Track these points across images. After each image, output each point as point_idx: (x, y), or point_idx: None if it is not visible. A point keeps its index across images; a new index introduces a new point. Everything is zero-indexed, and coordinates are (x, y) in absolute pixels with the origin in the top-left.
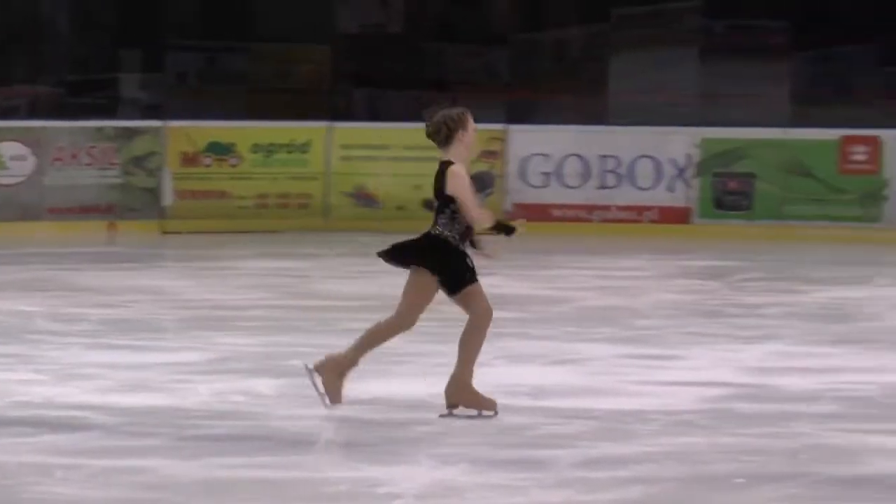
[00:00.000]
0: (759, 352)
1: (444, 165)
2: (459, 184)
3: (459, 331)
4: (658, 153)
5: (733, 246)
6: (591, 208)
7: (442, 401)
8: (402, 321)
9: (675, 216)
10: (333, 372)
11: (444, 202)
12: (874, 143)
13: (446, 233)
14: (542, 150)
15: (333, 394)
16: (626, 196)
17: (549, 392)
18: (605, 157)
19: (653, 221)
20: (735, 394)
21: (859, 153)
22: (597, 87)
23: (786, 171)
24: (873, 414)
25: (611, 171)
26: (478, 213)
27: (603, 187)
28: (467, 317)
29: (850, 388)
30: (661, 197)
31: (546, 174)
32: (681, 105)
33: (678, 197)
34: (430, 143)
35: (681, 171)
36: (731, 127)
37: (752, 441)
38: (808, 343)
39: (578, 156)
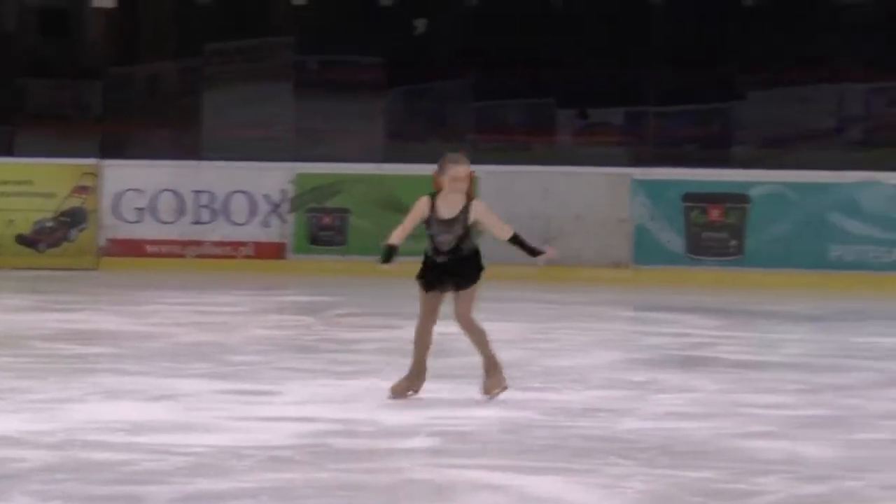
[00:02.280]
0: (356, 387)
1: None
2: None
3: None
4: (253, 188)
5: (328, 281)
6: (185, 244)
7: (36, 438)
8: None
9: (269, 251)
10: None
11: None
12: None
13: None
14: (136, 186)
15: None
16: (220, 231)
17: (145, 428)
18: (199, 192)
19: (248, 257)
20: (331, 429)
21: None
22: (190, 121)
23: (380, 206)
24: (469, 449)
25: (205, 207)
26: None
27: (197, 223)
28: None
29: (446, 423)
30: (255, 232)
31: (140, 209)
32: (276, 140)
33: (273, 232)
34: (21, 178)
35: (275, 207)
36: (325, 162)
37: (348, 477)
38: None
39: (173, 191)
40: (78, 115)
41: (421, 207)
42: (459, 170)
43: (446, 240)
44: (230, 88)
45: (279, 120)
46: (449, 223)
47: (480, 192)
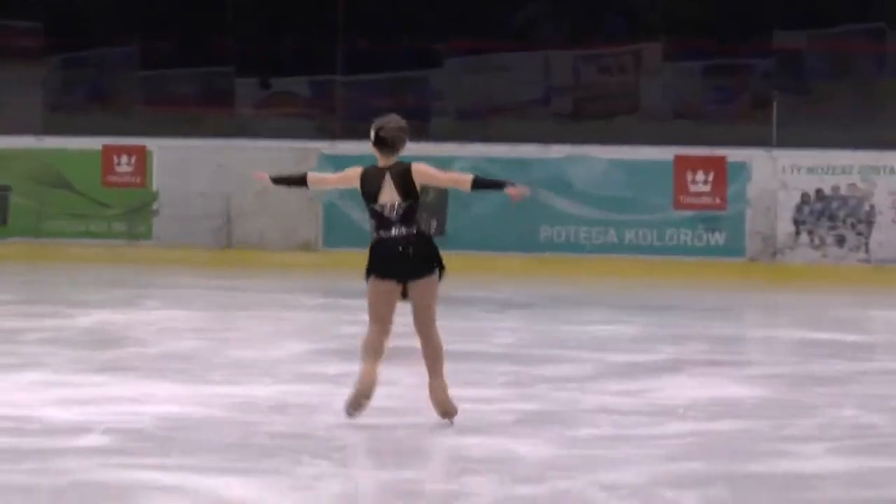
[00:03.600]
0: (18, 381)
1: (403, 166)
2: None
3: None
4: None
5: None
6: None
7: None
8: None
9: None
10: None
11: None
12: (140, 152)
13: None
14: None
15: None
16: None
17: None
18: None
19: None
20: None
21: (124, 164)
22: None
23: (42, 183)
24: (147, 447)
25: None
26: (458, 175)
27: None
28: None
29: (120, 420)
30: None
31: None
32: None
33: None
34: None
35: None
36: None
37: (16, 478)
38: (73, 371)
39: None
40: None
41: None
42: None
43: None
44: None
45: None
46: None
47: (153, 168)
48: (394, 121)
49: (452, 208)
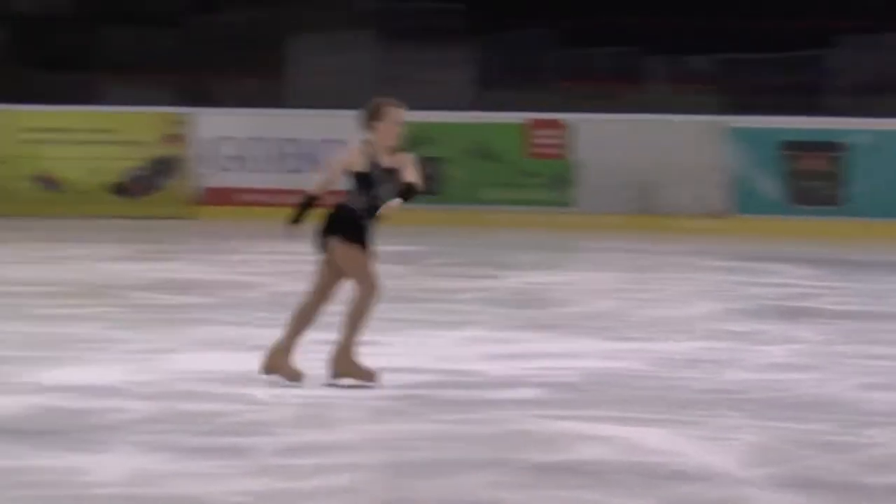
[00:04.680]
0: (457, 337)
1: None
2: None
3: (150, 317)
4: (342, 137)
5: (423, 230)
6: (276, 192)
7: (136, 388)
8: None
9: None
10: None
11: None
12: (561, 126)
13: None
14: (226, 134)
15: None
16: (311, 180)
17: (243, 379)
18: (288, 140)
19: None
20: (435, 380)
21: (546, 137)
22: (275, 70)
23: (472, 155)
24: (574, 399)
25: (294, 155)
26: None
27: (289, 171)
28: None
29: (549, 374)
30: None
31: (231, 158)
32: (361, 88)
33: None
34: (110, 126)
35: None
36: (413, 111)
37: (453, 428)
38: (505, 329)
39: (262, 139)
40: (158, 64)
41: (353, 156)
42: (402, 113)
43: (388, 192)
44: (313, 36)
45: (364, 67)
46: (391, 173)
47: (574, 140)
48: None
49: (853, 176)
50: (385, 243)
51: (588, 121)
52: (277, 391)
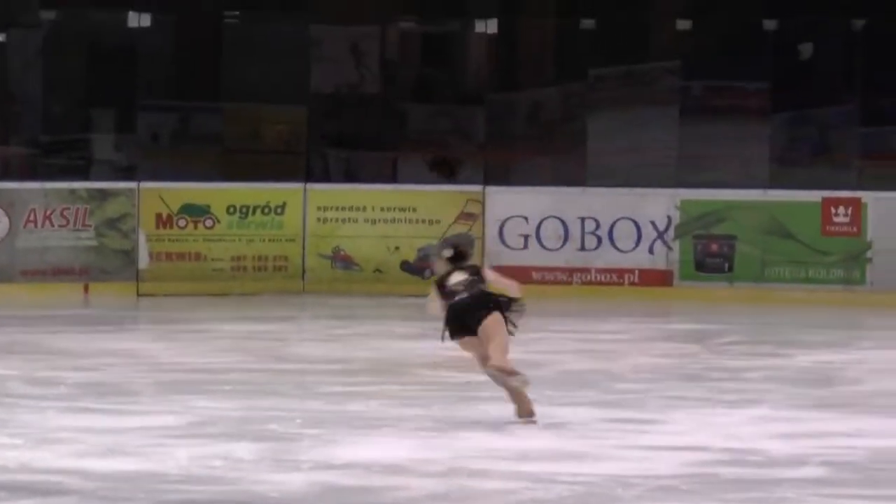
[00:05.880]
0: (742, 416)
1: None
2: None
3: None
4: (637, 215)
5: (714, 309)
6: (570, 271)
7: (422, 466)
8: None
9: (655, 278)
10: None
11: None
12: (856, 204)
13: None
14: (521, 212)
15: None
16: (606, 258)
17: (531, 456)
18: (583, 218)
19: (633, 284)
20: (717, 459)
21: (841, 215)
22: (574, 147)
23: (766, 232)
24: (858, 479)
25: (590, 233)
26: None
27: (582, 249)
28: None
29: (835, 453)
30: (641, 259)
31: (524, 236)
32: (658, 166)
33: (658, 259)
34: (406, 204)
35: (661, 234)
36: (710, 188)
37: None
38: (791, 407)
39: (557, 217)
40: (460, 142)
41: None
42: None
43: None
44: (613, 114)
45: (662, 145)
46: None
47: (869, 218)
48: (465, 238)
49: None
50: (679, 322)
51: (883, 199)
52: (562, 468)
